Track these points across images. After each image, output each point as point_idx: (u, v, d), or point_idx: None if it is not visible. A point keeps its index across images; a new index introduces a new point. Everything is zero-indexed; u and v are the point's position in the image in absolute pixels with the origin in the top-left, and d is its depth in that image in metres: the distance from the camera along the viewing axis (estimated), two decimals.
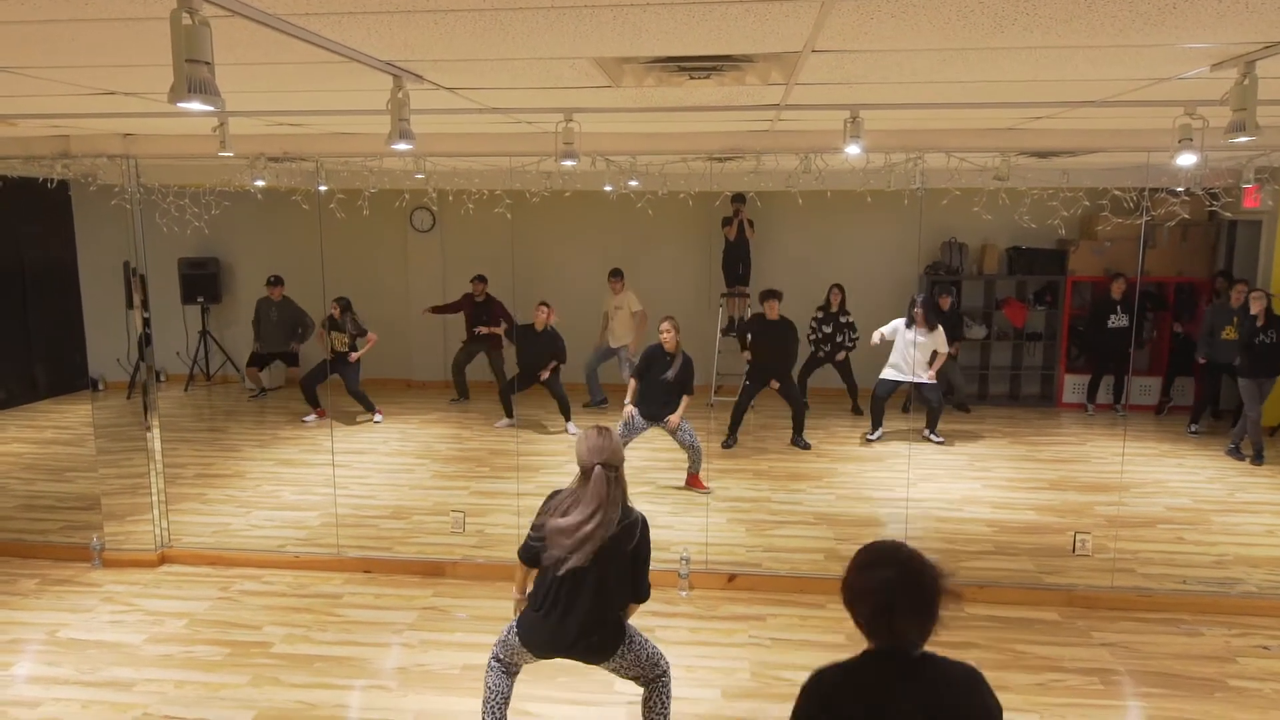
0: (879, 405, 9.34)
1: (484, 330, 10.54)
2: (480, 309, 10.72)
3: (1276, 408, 9.03)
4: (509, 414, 9.94)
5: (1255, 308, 8.34)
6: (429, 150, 6.11)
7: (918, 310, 8.81)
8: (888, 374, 9.20)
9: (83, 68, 3.33)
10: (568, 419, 9.70)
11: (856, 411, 10.43)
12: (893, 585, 2.08)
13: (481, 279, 10.71)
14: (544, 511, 3.69)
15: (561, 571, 3.51)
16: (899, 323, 9.06)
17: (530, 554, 3.68)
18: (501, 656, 3.87)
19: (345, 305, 10.03)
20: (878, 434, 9.34)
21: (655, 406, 7.38)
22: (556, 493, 3.74)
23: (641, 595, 3.74)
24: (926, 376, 8.93)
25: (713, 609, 5.63)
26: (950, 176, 6.15)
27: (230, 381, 12.23)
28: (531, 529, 3.69)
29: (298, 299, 10.73)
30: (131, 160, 6.06)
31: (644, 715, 3.87)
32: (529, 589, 3.81)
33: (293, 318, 10.77)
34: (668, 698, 3.86)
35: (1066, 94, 4.06)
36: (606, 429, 3.68)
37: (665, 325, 7.37)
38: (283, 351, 11.00)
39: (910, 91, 3.96)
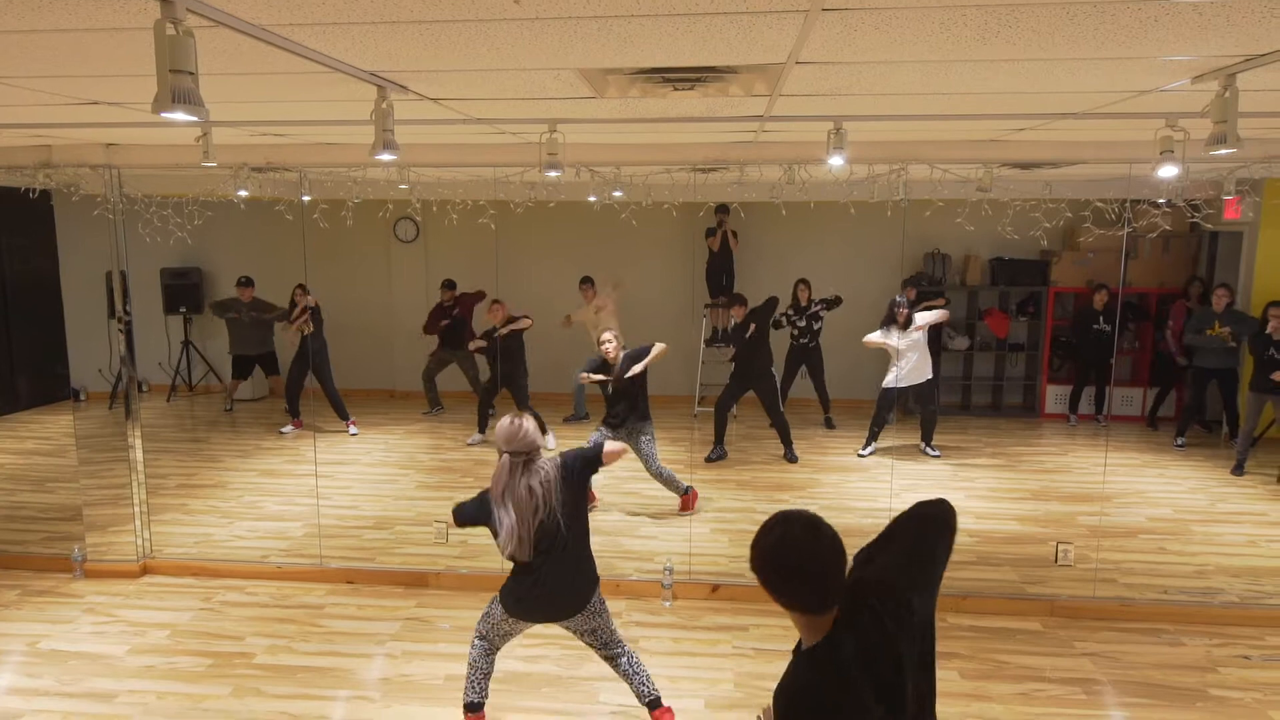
0: (882, 413, 9.15)
1: (473, 346, 10.41)
2: (448, 313, 10.58)
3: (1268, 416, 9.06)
4: (481, 429, 9.73)
5: (1273, 325, 8.21)
6: (413, 161, 6.11)
7: (901, 310, 8.70)
8: (889, 382, 8.97)
9: (65, 77, 3.32)
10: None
11: (829, 425, 10.33)
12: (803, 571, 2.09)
13: (448, 285, 10.57)
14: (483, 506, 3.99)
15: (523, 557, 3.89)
16: (878, 334, 8.90)
17: (463, 520, 4.09)
18: (485, 634, 4.15)
19: (306, 290, 9.86)
20: (870, 450, 9.23)
21: (612, 415, 7.28)
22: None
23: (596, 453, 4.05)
24: (923, 377, 8.87)
25: (696, 619, 5.62)
26: (933, 188, 6.20)
27: (213, 392, 12.16)
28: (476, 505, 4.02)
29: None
30: (114, 170, 6.04)
31: (630, 683, 4.22)
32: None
33: (265, 312, 10.64)
34: (637, 658, 4.26)
35: (1049, 106, 4.09)
36: (521, 416, 3.93)
37: (606, 337, 7.21)
38: (262, 354, 10.83)
39: (894, 103, 3.99)
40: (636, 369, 6.99)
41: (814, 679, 2.05)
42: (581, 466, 4.01)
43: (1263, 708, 4.65)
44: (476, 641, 4.21)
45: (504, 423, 3.89)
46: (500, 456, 3.88)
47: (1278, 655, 5.21)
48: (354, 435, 10.03)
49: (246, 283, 10.56)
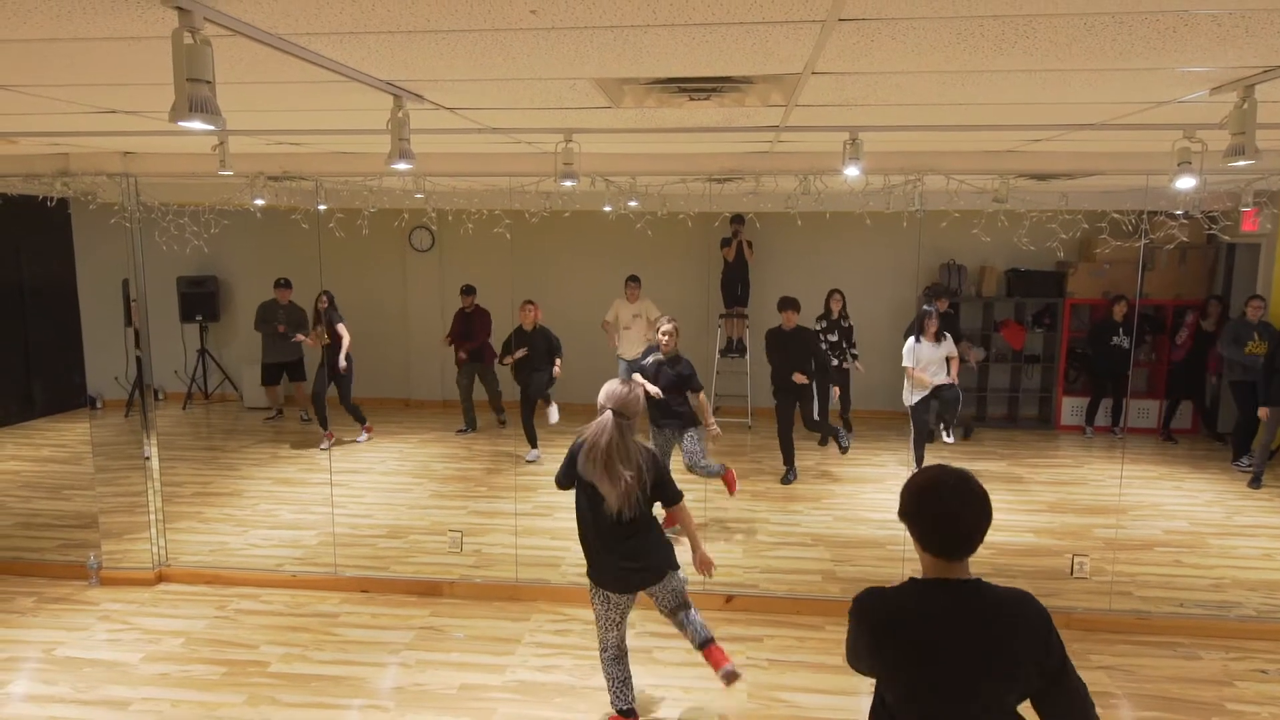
0: (921, 433, 8.68)
1: (462, 355, 10.28)
2: (464, 320, 10.42)
3: None
4: (533, 443, 9.41)
5: None
6: (428, 170, 6.13)
7: (931, 320, 8.44)
8: (919, 395, 8.54)
9: (84, 86, 3.34)
10: (533, 445, 9.39)
11: (843, 449, 9.44)
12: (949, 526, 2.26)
13: (468, 290, 10.44)
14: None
15: (599, 509, 4.05)
16: (910, 343, 8.56)
17: (564, 479, 4.24)
18: (602, 641, 4.32)
19: (330, 297, 9.81)
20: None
21: (656, 415, 7.13)
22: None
23: (674, 498, 4.21)
24: (946, 378, 8.59)
25: (710, 630, 5.59)
26: (949, 198, 6.18)
27: (229, 400, 12.22)
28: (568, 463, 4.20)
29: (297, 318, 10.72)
30: (131, 178, 6.08)
31: (688, 634, 4.43)
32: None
33: (300, 320, 10.64)
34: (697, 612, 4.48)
35: (1066, 117, 4.08)
36: (630, 380, 4.18)
37: (665, 328, 7.10)
38: (292, 360, 10.78)
39: (910, 114, 3.98)
40: (654, 390, 6.91)
41: (900, 595, 2.28)
42: (658, 477, 4.12)
43: None
44: (605, 658, 4.37)
45: (611, 384, 4.11)
46: (602, 412, 4.05)
47: None
48: (360, 442, 9.98)
49: (285, 284, 10.56)
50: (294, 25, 2.34)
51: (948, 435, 9.02)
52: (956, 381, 8.68)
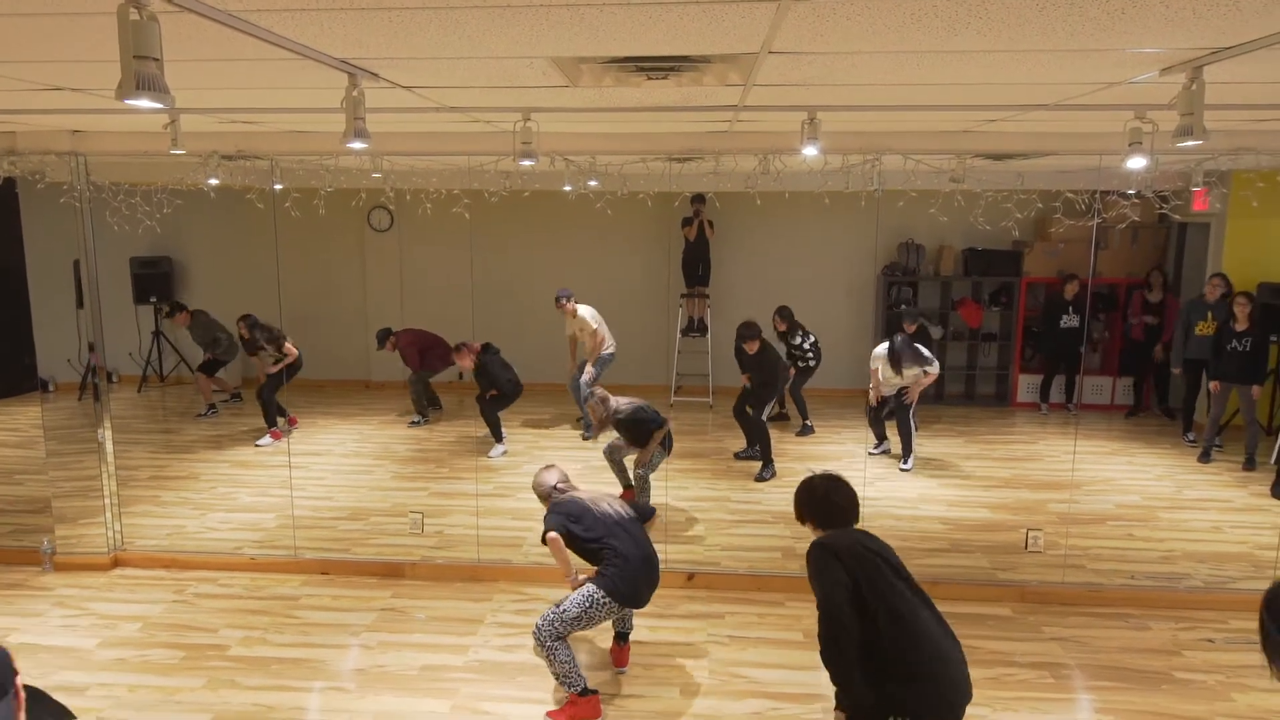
0: (879, 427, 8.84)
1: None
2: (421, 357, 10.11)
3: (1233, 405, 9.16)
4: (497, 436, 9.12)
5: (1238, 315, 8.22)
6: (386, 149, 6.07)
7: (905, 352, 8.18)
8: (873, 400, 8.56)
9: (28, 63, 3.27)
10: (498, 440, 9.12)
11: (806, 431, 9.75)
12: (845, 505, 3.44)
13: (382, 335, 10.11)
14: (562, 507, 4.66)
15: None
16: (882, 350, 8.37)
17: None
18: (565, 634, 4.38)
19: (252, 323, 9.43)
20: (881, 448, 8.97)
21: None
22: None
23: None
24: (906, 399, 8.30)
25: (671, 608, 5.64)
26: (907, 178, 6.22)
27: (185, 383, 12.05)
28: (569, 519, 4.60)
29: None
30: (80, 157, 5.96)
31: (617, 622, 4.86)
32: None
33: (206, 334, 10.33)
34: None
35: (1020, 97, 4.12)
36: (548, 468, 4.88)
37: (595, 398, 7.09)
38: (225, 361, 10.54)
39: (867, 94, 4.00)
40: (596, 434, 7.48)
41: (820, 549, 3.27)
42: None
43: (1226, 689, 4.72)
44: (558, 645, 4.34)
45: (543, 478, 4.86)
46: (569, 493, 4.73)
47: (1241, 638, 5.29)
48: (259, 445, 9.25)
49: (175, 310, 10.36)
50: (244, 1, 2.31)
51: (905, 465, 8.51)
52: (915, 401, 8.32)
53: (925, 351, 8.27)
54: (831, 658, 3.11)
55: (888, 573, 3.21)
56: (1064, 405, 10.89)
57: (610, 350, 9.53)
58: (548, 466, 4.89)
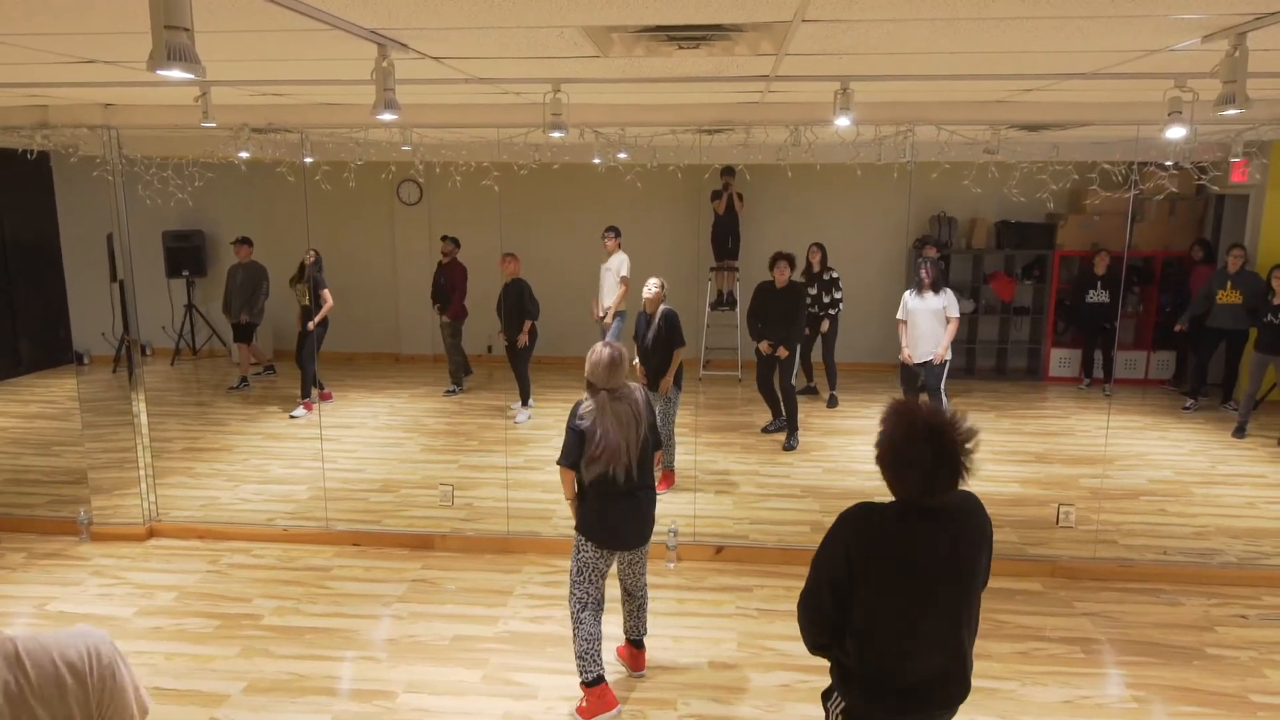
0: (911, 387, 8.21)
1: (446, 319, 10.15)
2: (440, 272, 10.20)
3: (1269, 379, 9.03)
4: (525, 396, 9.35)
5: (1277, 287, 8.29)
6: (415, 121, 6.06)
7: (925, 272, 7.84)
8: (904, 355, 8.08)
9: (61, 35, 3.28)
10: (524, 403, 9.27)
11: (832, 403, 9.79)
12: (933, 460, 2.43)
13: (449, 240, 10.19)
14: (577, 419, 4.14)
15: (610, 473, 4.08)
16: (906, 296, 8.10)
17: (571, 459, 4.14)
18: (584, 598, 4.23)
19: (317, 256, 9.53)
20: None
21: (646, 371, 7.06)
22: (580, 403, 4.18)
23: (657, 444, 4.33)
24: (935, 356, 7.87)
25: (700, 580, 5.65)
26: (940, 149, 6.16)
27: (218, 355, 12.17)
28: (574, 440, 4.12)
29: (283, 272, 10.44)
30: (113, 131, 6.00)
31: (630, 623, 4.55)
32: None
33: (253, 279, 10.28)
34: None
35: (1057, 66, 4.04)
36: (610, 346, 4.15)
37: (651, 283, 7.00)
38: (252, 323, 10.47)
39: (900, 63, 3.94)
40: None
41: (845, 518, 2.59)
42: (651, 420, 4.27)
43: (1258, 665, 4.68)
44: (581, 619, 4.20)
45: (599, 352, 4.12)
46: (597, 393, 4.12)
47: (1274, 614, 5.24)
48: (294, 417, 9.31)
49: (243, 241, 10.28)
50: None
51: None
52: (948, 356, 7.92)
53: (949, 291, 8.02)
54: (800, 628, 2.83)
55: (903, 582, 2.53)
56: (1098, 380, 10.76)
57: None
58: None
